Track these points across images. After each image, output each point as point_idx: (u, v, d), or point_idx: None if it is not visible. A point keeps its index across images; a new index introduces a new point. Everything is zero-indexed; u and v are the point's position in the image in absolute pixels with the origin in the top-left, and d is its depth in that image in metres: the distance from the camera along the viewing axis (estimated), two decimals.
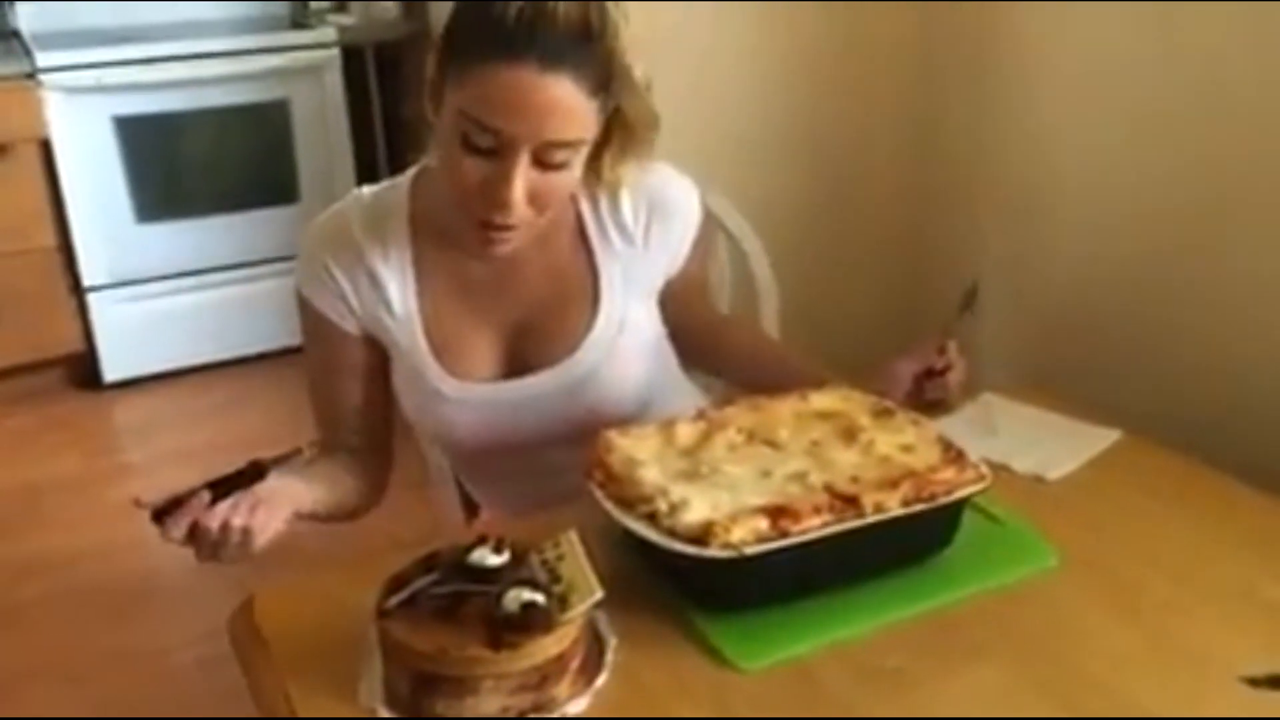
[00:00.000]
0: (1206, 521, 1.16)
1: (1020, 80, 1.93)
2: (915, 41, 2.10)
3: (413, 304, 1.24)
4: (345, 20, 3.46)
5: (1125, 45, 1.72)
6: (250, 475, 1.06)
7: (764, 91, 2.03)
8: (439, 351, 1.25)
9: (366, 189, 1.28)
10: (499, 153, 1.07)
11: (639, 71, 1.13)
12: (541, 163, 1.08)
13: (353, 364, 1.28)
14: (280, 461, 1.09)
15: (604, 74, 1.09)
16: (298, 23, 3.47)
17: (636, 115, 1.16)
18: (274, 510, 1.06)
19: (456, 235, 1.20)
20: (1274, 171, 1.52)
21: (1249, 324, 1.59)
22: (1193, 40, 1.61)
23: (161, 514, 1.05)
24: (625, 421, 1.21)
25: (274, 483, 1.08)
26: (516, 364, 1.28)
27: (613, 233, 1.28)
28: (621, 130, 1.17)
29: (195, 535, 1.04)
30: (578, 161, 1.12)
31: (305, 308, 1.27)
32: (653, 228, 1.29)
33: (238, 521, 1.03)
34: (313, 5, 3.56)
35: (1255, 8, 1.50)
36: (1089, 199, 1.83)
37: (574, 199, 1.26)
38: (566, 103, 1.06)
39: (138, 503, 1.06)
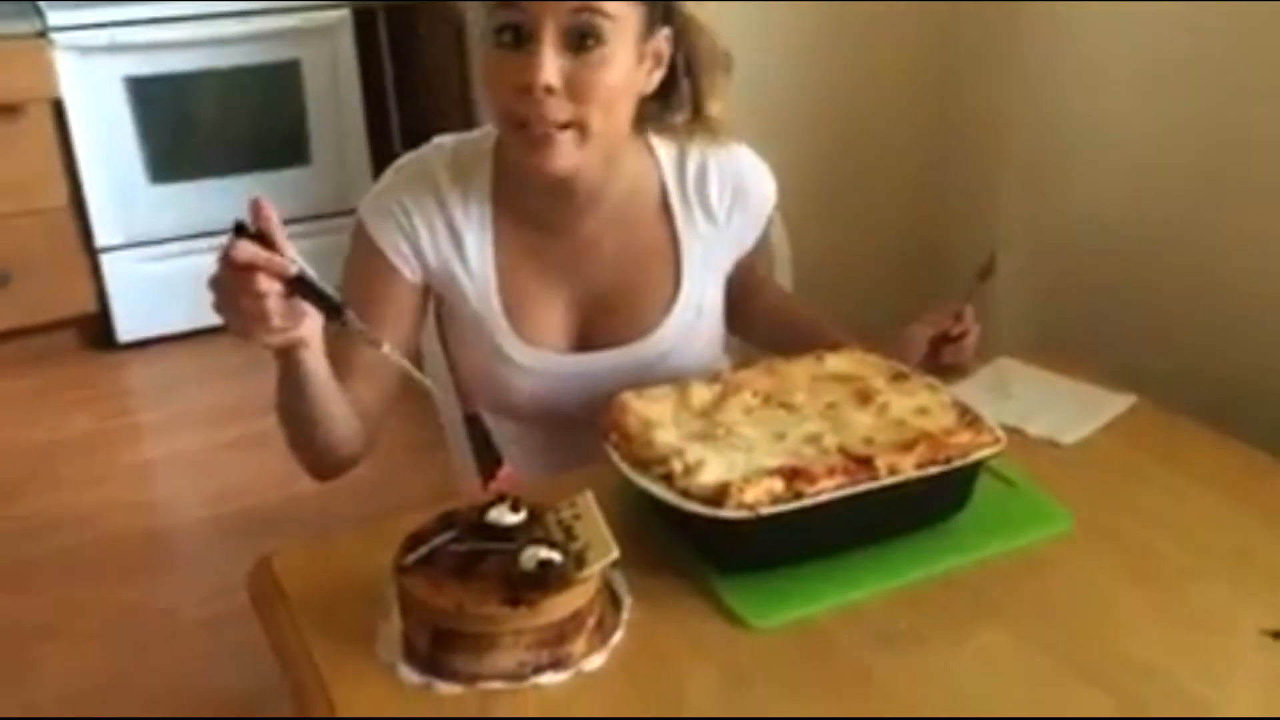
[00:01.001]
0: (1221, 487, 1.16)
1: (1038, 51, 1.91)
2: (937, 13, 2.08)
3: (489, 262, 1.23)
4: None
5: (1144, 17, 1.71)
6: (329, 307, 1.00)
7: (783, 63, 2.02)
8: (510, 313, 1.24)
9: (449, 139, 1.25)
10: (526, 39, 1.05)
11: (716, 47, 1.17)
12: (573, 48, 1.06)
13: (395, 308, 1.22)
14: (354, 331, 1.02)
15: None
16: None
17: (707, 53, 1.18)
18: (304, 327, 1.00)
19: (536, 200, 1.20)
20: None
21: (1265, 292, 1.59)
22: (1213, 13, 1.60)
23: (240, 229, 0.98)
24: (753, 333, 1.30)
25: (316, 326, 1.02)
26: (588, 339, 1.27)
27: (697, 210, 1.28)
28: (696, 71, 1.18)
29: (240, 281, 0.95)
30: (616, 55, 1.08)
31: (363, 240, 1.22)
32: (735, 210, 1.29)
33: (275, 305, 0.96)
34: None
35: None
36: (1105, 166, 1.82)
37: (658, 168, 1.26)
38: None
39: (259, 207, 0.99)
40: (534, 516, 0.95)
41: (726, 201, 1.29)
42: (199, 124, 3.28)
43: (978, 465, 1.05)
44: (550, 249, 1.25)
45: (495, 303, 1.24)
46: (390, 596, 0.94)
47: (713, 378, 1.16)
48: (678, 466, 0.99)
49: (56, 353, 3.25)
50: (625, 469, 1.02)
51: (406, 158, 1.25)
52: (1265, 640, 0.93)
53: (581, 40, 1.06)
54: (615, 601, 0.96)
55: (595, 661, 0.91)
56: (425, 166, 1.23)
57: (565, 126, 1.09)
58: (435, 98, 3.52)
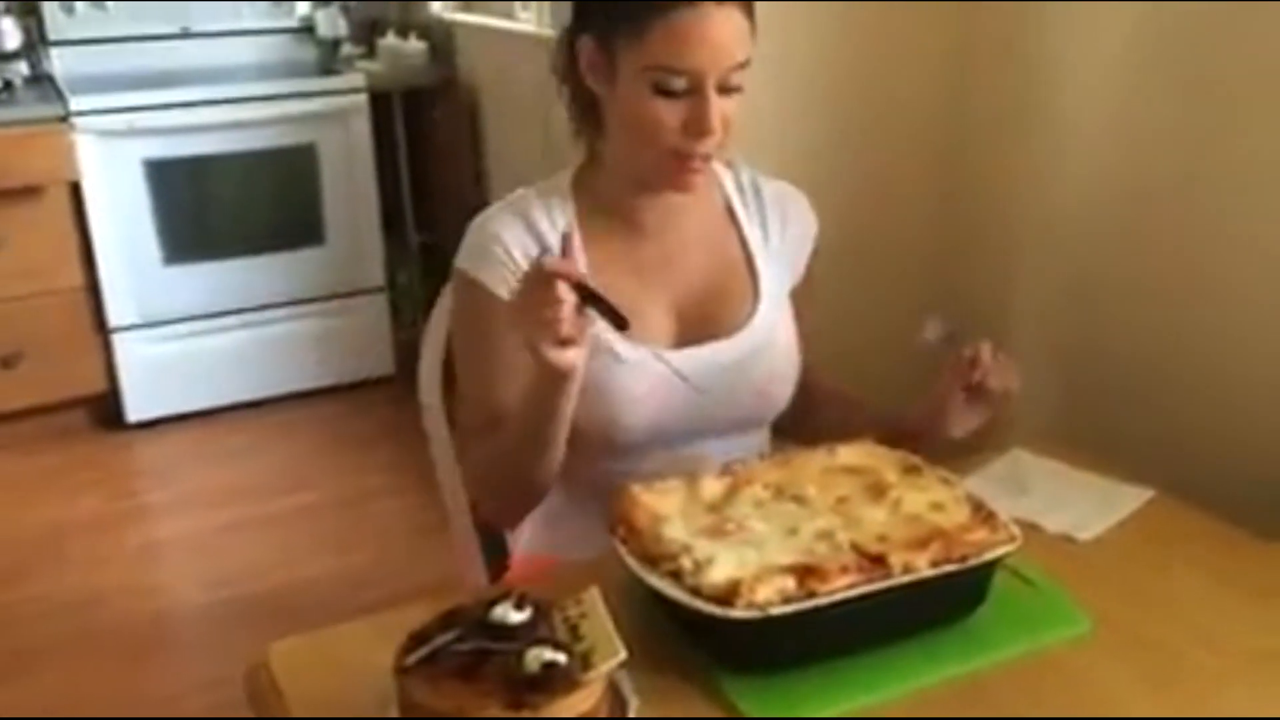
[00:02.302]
0: (1241, 586, 1.13)
1: (1054, 102, 1.91)
2: (948, 55, 2.09)
3: (584, 269, 1.25)
4: (373, 66, 3.51)
5: (1159, 62, 1.70)
6: (616, 318, 1.09)
7: (792, 90, 2.01)
8: None
9: (522, 189, 1.33)
10: (692, 90, 1.17)
11: None
12: (723, 89, 1.18)
13: (517, 346, 1.22)
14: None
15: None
16: (327, 68, 3.52)
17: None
18: (584, 347, 1.10)
19: (632, 218, 1.29)
20: None
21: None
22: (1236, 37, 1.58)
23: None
24: (783, 413, 1.34)
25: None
26: (686, 337, 1.31)
27: (757, 221, 1.37)
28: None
29: (541, 290, 1.06)
30: (741, 90, 1.20)
31: (471, 291, 1.28)
32: (785, 231, 1.38)
33: (567, 313, 1.06)
34: (342, 52, 3.61)
35: None
36: (1119, 247, 1.81)
37: (719, 178, 1.36)
38: (741, 26, 1.17)
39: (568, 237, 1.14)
40: (539, 614, 0.93)
41: (777, 220, 1.38)
42: (215, 206, 3.32)
43: (994, 564, 1.02)
44: (641, 255, 1.31)
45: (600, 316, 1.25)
46: (391, 697, 0.91)
47: (723, 470, 1.14)
48: (687, 564, 0.97)
49: (66, 432, 3.26)
50: (633, 565, 1.00)
51: (488, 211, 1.32)
52: None
53: (731, 82, 1.18)
54: (621, 703, 0.93)
55: None
56: (509, 204, 1.31)
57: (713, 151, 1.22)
58: (448, 178, 3.56)
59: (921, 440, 1.24)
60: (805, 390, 1.40)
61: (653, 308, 1.30)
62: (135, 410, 3.28)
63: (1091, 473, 1.33)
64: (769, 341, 1.33)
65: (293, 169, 3.34)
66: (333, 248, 3.44)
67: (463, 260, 1.29)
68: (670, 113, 1.18)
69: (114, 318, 3.19)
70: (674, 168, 1.23)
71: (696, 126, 1.18)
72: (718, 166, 1.37)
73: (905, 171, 2.09)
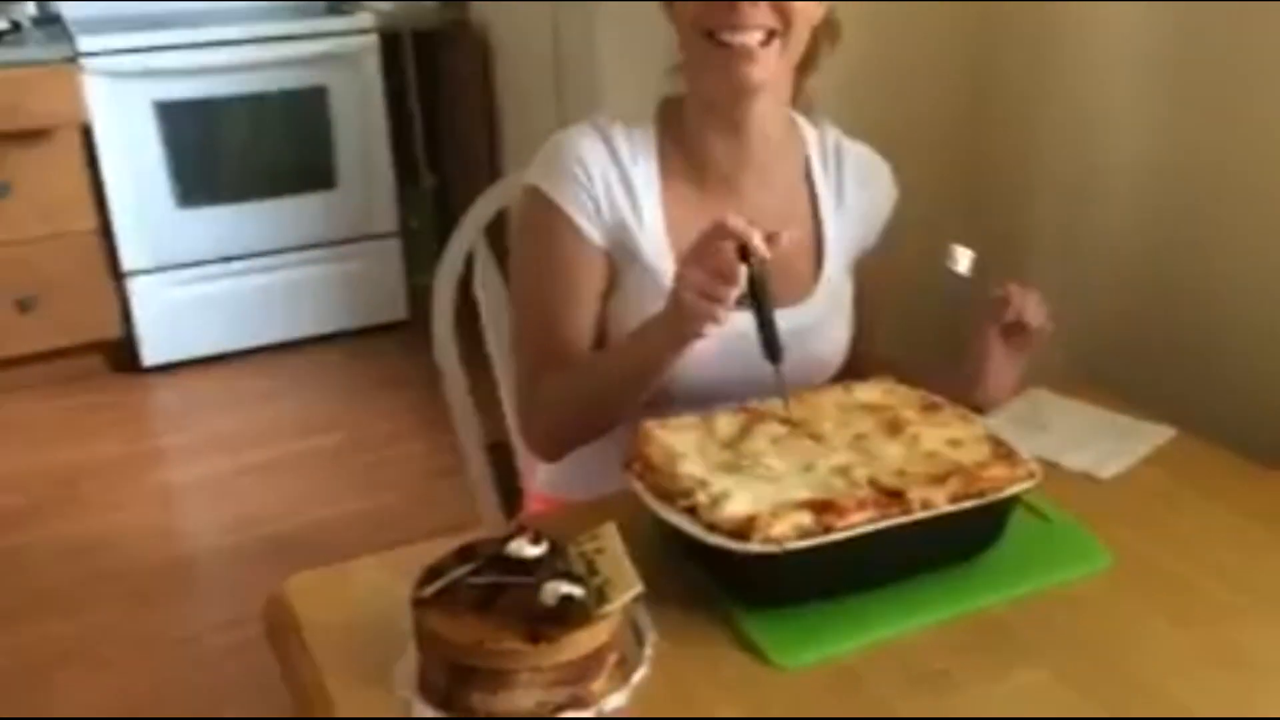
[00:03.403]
0: (1263, 522, 1.12)
1: (1074, 68, 1.88)
2: (971, 32, 2.06)
3: (659, 214, 1.24)
4: (384, 6, 3.46)
5: (1183, 36, 1.68)
6: (765, 318, 1.10)
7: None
8: None
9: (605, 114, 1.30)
10: None
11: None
12: None
13: (591, 278, 1.25)
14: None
15: None
16: (336, 9, 3.47)
17: (826, 20, 1.24)
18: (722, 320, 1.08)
19: (708, 144, 1.25)
20: None
21: None
22: (1255, 30, 1.56)
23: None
24: (829, 378, 1.28)
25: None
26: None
27: (833, 184, 1.33)
28: (816, 34, 1.24)
29: (719, 248, 1.05)
30: None
31: (547, 211, 1.23)
32: (861, 198, 1.34)
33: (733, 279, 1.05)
34: None
35: None
36: (1142, 190, 1.79)
37: (803, 138, 1.33)
38: None
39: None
40: (555, 549, 0.92)
41: (855, 185, 1.34)
42: (226, 149, 3.30)
43: (1013, 500, 1.02)
44: (714, 206, 1.25)
45: (667, 253, 1.24)
46: (407, 630, 0.92)
47: (738, 407, 1.13)
48: (703, 499, 0.97)
49: (83, 376, 3.27)
50: (649, 500, 1.00)
51: (569, 128, 1.27)
52: None
53: None
54: (638, 637, 0.93)
55: (617, 700, 0.88)
56: (594, 126, 1.26)
57: (767, 39, 1.16)
58: (460, 121, 3.53)
59: (971, 405, 1.18)
60: (859, 360, 1.36)
61: None
62: (151, 354, 3.29)
63: (1111, 411, 1.32)
64: (824, 318, 1.30)
65: (304, 112, 3.31)
66: (345, 192, 3.42)
67: (538, 177, 1.25)
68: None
69: (128, 261, 3.19)
70: (717, 56, 1.16)
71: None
72: (804, 125, 1.33)
73: (924, 165, 2.07)
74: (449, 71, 3.55)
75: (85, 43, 3.00)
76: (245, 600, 2.30)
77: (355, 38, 3.29)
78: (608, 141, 1.24)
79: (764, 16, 1.15)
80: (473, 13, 3.44)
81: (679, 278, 1.08)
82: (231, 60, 3.16)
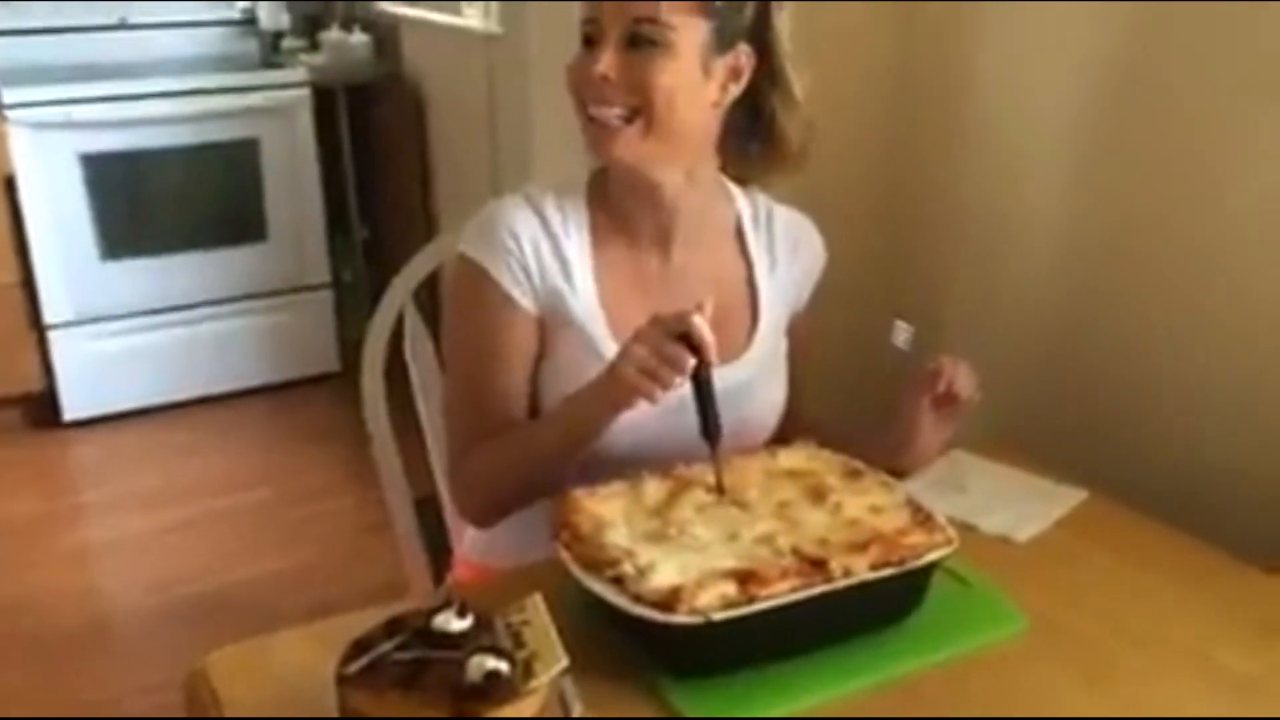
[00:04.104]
0: (1175, 583, 1.16)
1: (991, 121, 1.94)
2: (886, 85, 2.11)
3: (590, 278, 1.26)
4: (317, 60, 3.47)
5: (1105, 89, 1.73)
6: (710, 422, 1.13)
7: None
8: (614, 327, 1.25)
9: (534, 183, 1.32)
10: (598, 40, 1.18)
11: (799, 85, 1.26)
12: (633, 43, 1.17)
13: (521, 344, 1.26)
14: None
15: (731, 19, 1.19)
16: (269, 62, 3.47)
17: (790, 128, 1.27)
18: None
19: (630, 212, 1.28)
20: (1259, 220, 1.52)
21: (1217, 382, 1.60)
22: (1178, 56, 1.62)
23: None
24: (763, 440, 1.30)
25: None
26: None
27: (765, 247, 1.36)
28: (774, 137, 1.28)
29: (675, 352, 1.09)
30: (677, 60, 1.17)
31: (477, 279, 1.25)
32: (793, 259, 1.37)
33: (679, 382, 1.10)
34: (284, 44, 3.56)
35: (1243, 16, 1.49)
36: (1057, 259, 1.85)
37: (734, 201, 1.36)
38: None
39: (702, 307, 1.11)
40: (481, 623, 0.93)
41: (786, 249, 1.37)
42: (154, 201, 3.27)
43: (932, 566, 1.04)
44: (645, 268, 1.30)
45: (599, 314, 1.26)
46: (331, 706, 0.91)
47: (664, 473, 1.15)
48: (629, 570, 0.98)
49: (0, 431, 3.19)
50: (576, 571, 1.01)
51: (502, 198, 1.30)
52: None
53: (641, 43, 1.17)
54: (565, 709, 0.94)
55: None
56: (526, 197, 1.29)
57: (629, 120, 1.19)
58: (393, 174, 3.54)
59: (894, 469, 1.21)
60: (792, 423, 1.37)
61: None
62: (72, 409, 3.22)
63: (1027, 473, 1.36)
64: (758, 377, 1.32)
65: (235, 164, 3.29)
66: (276, 244, 3.40)
67: (470, 246, 1.26)
68: (577, 63, 1.20)
69: (50, 314, 3.13)
70: (587, 131, 1.21)
71: (585, 69, 1.18)
72: (734, 190, 1.36)
73: (846, 180, 2.11)
74: (382, 124, 3.56)
75: (8, 94, 2.96)
76: (167, 663, 2.24)
77: (289, 91, 3.29)
78: (539, 212, 1.26)
79: (621, 95, 1.18)
80: (406, 66, 3.46)
81: (625, 353, 1.10)
82: (161, 112, 3.14)
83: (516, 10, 2.65)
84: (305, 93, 3.32)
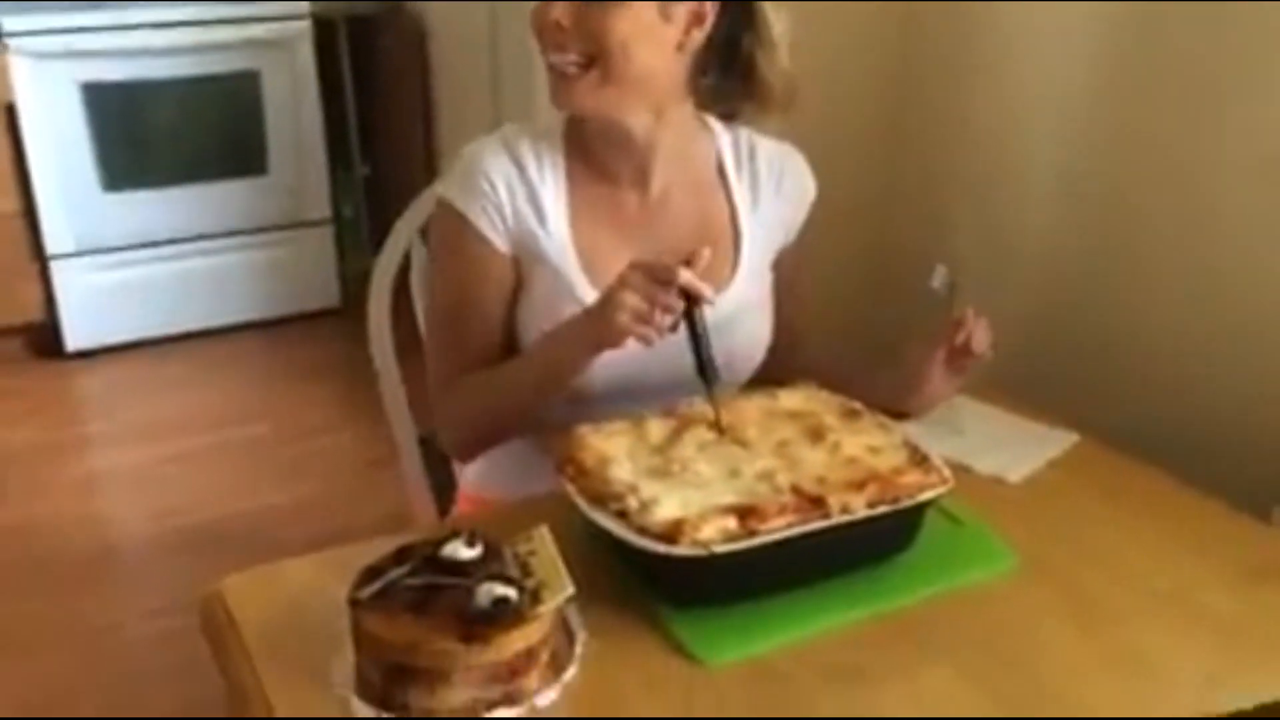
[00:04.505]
0: (1162, 528, 1.19)
1: (992, 78, 1.95)
2: (891, 40, 2.12)
3: (564, 216, 1.28)
4: None
5: (1101, 46, 1.74)
6: (703, 362, 1.16)
7: None
8: (587, 265, 1.27)
9: (517, 123, 1.33)
10: None
11: (777, 29, 1.24)
12: None
13: (498, 283, 1.29)
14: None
15: None
16: None
17: (770, 70, 1.26)
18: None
19: (603, 152, 1.28)
20: (1251, 178, 1.54)
21: (1207, 332, 1.63)
22: (1170, 41, 1.63)
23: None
24: (752, 374, 1.33)
25: None
26: None
27: (748, 184, 1.36)
28: (753, 79, 1.27)
29: (664, 294, 1.11)
30: (628, 6, 1.17)
31: (455, 222, 1.27)
32: (778, 192, 1.37)
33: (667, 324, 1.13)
34: None
35: (1236, 8, 1.50)
36: (1055, 202, 1.86)
37: (714, 138, 1.35)
38: None
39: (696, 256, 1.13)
40: (490, 551, 0.95)
41: (772, 183, 1.37)
42: (155, 132, 3.25)
43: (926, 505, 1.07)
44: (623, 204, 1.31)
45: (572, 254, 1.28)
46: (344, 629, 0.94)
47: (666, 412, 1.17)
48: (633, 503, 1.00)
49: (3, 361, 3.21)
50: (581, 504, 1.04)
51: (479, 141, 1.31)
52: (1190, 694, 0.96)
53: None
54: (569, 637, 0.97)
55: (548, 697, 0.92)
56: (502, 137, 1.30)
57: (586, 67, 1.19)
58: (395, 108, 3.52)
59: (898, 414, 1.23)
60: (789, 359, 1.39)
61: (627, 260, 1.24)
62: (74, 339, 3.24)
63: (1022, 417, 1.39)
64: (741, 311, 1.32)
65: (235, 97, 3.28)
66: (276, 177, 3.39)
67: (447, 189, 1.29)
68: (536, 10, 1.19)
69: (52, 245, 3.14)
70: (549, 79, 1.22)
71: (541, 17, 1.18)
72: (715, 125, 1.35)
73: (848, 119, 2.12)
74: (384, 59, 3.53)
75: (9, 22, 2.94)
76: (169, 590, 2.29)
77: (289, 23, 3.26)
78: (515, 156, 1.28)
79: (576, 42, 1.18)
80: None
81: (615, 300, 1.12)
82: (161, 43, 3.11)
83: None
84: (306, 24, 3.29)
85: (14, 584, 2.36)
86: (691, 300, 1.12)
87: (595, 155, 1.30)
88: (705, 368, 1.15)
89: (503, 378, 1.28)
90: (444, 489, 1.60)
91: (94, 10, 3.08)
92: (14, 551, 2.46)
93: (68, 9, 3.06)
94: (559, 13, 1.17)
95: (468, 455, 1.41)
